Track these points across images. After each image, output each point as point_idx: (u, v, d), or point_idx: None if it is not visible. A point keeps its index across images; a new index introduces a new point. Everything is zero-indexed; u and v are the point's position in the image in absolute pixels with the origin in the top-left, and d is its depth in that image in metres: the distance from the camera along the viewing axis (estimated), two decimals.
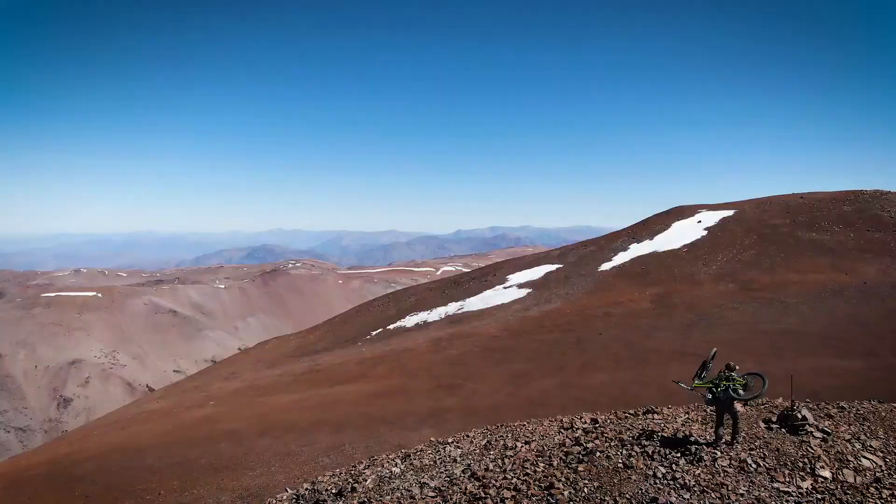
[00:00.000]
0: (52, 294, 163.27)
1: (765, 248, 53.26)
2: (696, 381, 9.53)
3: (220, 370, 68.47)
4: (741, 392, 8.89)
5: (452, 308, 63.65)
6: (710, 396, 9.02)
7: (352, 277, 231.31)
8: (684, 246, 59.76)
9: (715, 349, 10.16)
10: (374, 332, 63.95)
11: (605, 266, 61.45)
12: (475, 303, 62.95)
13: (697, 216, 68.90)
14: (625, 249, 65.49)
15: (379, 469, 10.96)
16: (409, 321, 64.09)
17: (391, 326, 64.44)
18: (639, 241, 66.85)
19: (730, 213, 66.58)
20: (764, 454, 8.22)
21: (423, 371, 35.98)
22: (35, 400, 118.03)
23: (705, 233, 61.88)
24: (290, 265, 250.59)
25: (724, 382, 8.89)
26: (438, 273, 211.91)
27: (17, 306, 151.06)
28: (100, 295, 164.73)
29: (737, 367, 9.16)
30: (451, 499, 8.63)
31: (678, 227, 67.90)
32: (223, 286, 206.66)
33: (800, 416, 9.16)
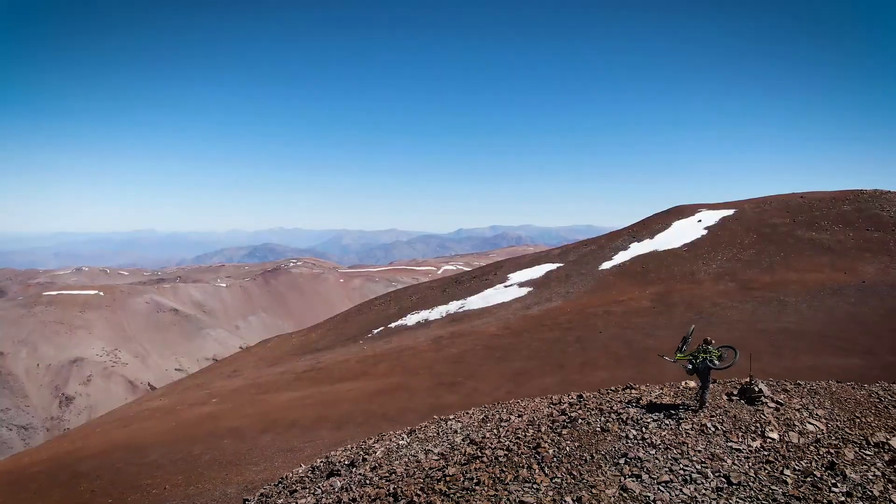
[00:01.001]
0: (54, 292, 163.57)
1: (764, 247, 53.43)
2: (679, 355, 10.61)
3: (221, 368, 68.76)
4: (717, 362, 10.03)
5: (453, 306, 63.84)
6: (689, 367, 10.22)
7: (353, 276, 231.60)
8: (684, 245, 59.92)
9: (693, 326, 11.37)
10: (375, 331, 64.17)
11: (606, 265, 61.63)
12: (476, 301, 63.15)
13: (697, 215, 69.04)
14: (625, 248, 65.65)
15: (387, 443, 12.39)
16: (411, 319, 64.31)
17: (392, 325, 64.65)
18: (639, 241, 67.01)
19: (730, 212, 66.73)
20: (722, 420, 9.36)
21: (423, 369, 36.19)
22: (37, 398, 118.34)
23: (705, 232, 62.03)
24: (292, 264, 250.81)
25: (703, 355, 10.03)
26: (439, 272, 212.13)
27: (19, 304, 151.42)
28: (101, 293, 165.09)
29: (713, 342, 10.34)
30: (452, 459, 9.83)
31: (678, 226, 68.05)
32: (224, 285, 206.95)
33: (757, 389, 10.30)
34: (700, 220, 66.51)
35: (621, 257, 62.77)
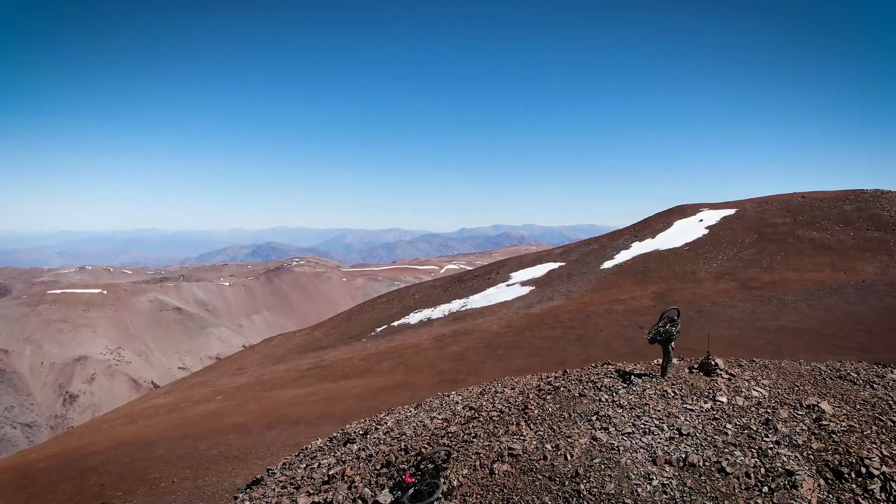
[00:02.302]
0: (58, 291, 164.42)
1: (765, 246, 53.66)
2: (653, 329, 12.05)
3: (225, 366, 69.24)
4: (672, 336, 11.62)
5: (456, 305, 64.25)
6: (648, 338, 11.91)
7: (356, 275, 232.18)
8: (686, 244, 60.20)
9: (673, 308, 12.40)
10: (378, 329, 64.59)
11: (608, 264, 61.95)
12: (478, 300, 63.53)
13: (699, 215, 69.31)
14: (627, 248, 65.97)
15: (397, 414, 14.21)
16: (413, 318, 64.71)
17: (395, 323, 65.06)
18: (641, 240, 67.33)
19: (731, 211, 66.96)
20: (681, 387, 10.95)
21: (426, 367, 36.57)
22: (41, 396, 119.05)
23: (706, 231, 62.31)
24: (295, 263, 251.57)
25: (662, 329, 11.65)
26: (442, 271, 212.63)
27: (23, 303, 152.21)
28: (105, 292, 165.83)
29: (675, 319, 11.85)
30: (453, 421, 11.69)
31: (680, 225, 68.35)
32: (227, 284, 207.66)
33: (713, 363, 11.78)
34: (701, 220, 66.80)
35: (623, 256, 63.10)
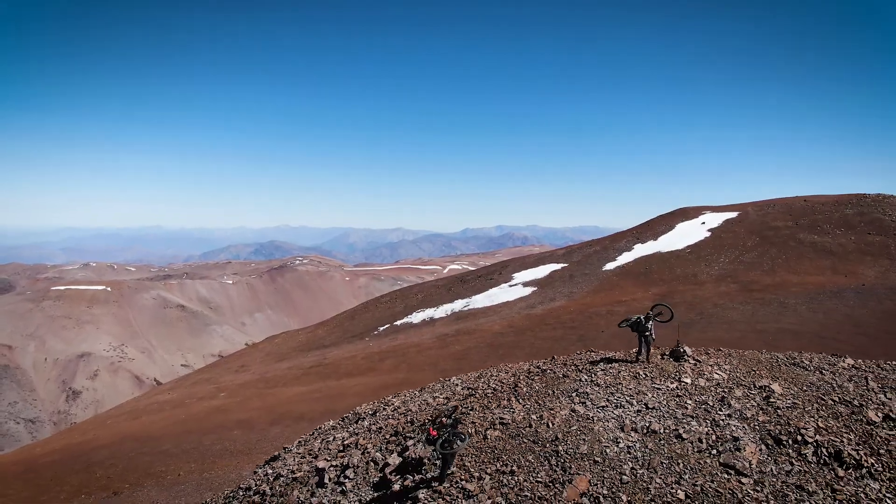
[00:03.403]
0: (62, 287, 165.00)
1: (766, 249, 53.81)
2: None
3: (229, 364, 69.63)
4: (642, 326, 12.81)
5: (458, 305, 64.52)
6: (624, 324, 13.09)
7: (359, 274, 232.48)
8: (687, 247, 60.37)
9: (663, 304, 13.57)
10: (381, 328, 64.92)
11: (609, 266, 62.16)
12: (481, 300, 63.80)
13: (701, 217, 69.45)
14: (629, 249, 66.16)
15: (402, 396, 15.79)
16: (416, 317, 65.02)
17: (398, 322, 65.37)
18: (643, 242, 67.51)
19: (733, 214, 67.10)
20: (652, 371, 12.33)
21: (428, 366, 36.89)
22: (44, 392, 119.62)
23: (708, 234, 62.46)
24: (298, 261, 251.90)
25: (634, 319, 12.87)
26: (445, 271, 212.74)
27: (27, 299, 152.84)
28: (109, 289, 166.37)
29: (650, 315, 13.08)
30: (453, 398, 13.29)
31: (682, 228, 68.49)
32: (231, 282, 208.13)
33: (682, 350, 13.01)
34: (704, 223, 66.94)
35: (625, 258, 63.29)
